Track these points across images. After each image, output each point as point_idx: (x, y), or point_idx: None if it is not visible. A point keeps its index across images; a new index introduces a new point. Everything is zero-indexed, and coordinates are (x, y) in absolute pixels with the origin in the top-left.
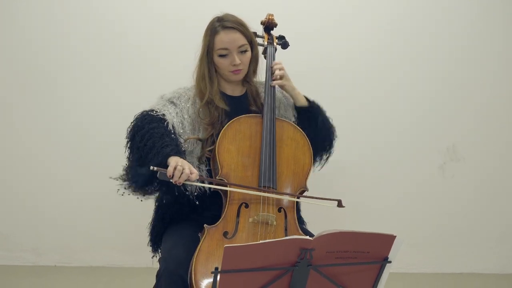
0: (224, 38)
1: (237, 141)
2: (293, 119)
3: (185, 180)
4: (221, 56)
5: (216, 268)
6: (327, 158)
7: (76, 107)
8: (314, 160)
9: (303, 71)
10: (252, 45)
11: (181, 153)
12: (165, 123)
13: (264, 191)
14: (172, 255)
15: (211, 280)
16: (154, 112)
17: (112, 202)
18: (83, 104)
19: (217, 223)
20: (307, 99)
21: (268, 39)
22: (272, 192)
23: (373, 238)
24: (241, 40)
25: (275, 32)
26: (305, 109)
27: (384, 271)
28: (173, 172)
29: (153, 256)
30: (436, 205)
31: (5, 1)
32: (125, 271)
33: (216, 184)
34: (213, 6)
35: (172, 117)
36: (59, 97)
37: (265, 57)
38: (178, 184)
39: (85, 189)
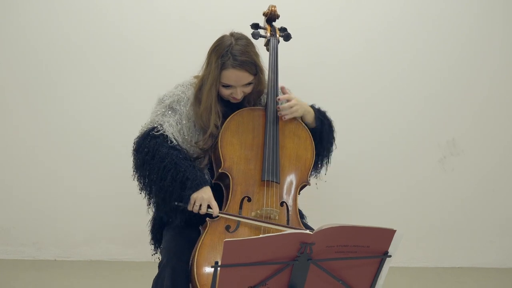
0: (232, 76)
1: (239, 134)
2: None
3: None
4: (224, 86)
5: (216, 262)
6: (328, 158)
7: (77, 105)
8: (316, 164)
9: (303, 65)
10: (257, 79)
11: (200, 184)
12: (169, 141)
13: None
14: (174, 246)
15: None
16: (156, 131)
17: (112, 196)
18: (83, 101)
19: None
20: (313, 109)
21: (271, 31)
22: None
23: (373, 232)
24: (248, 78)
25: (277, 24)
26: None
27: (384, 265)
28: (192, 208)
29: (154, 253)
30: (436, 199)
31: None
32: (125, 265)
33: (244, 218)
34: (216, 5)
35: (172, 128)
36: (60, 93)
37: (267, 49)
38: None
39: (85, 183)
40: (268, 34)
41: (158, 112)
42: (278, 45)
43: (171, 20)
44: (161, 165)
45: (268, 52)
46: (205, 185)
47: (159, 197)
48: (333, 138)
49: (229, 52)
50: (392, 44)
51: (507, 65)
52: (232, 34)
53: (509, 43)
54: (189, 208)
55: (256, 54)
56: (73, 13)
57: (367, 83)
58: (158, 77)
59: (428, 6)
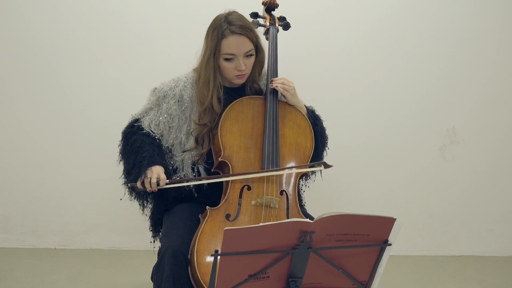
0: (232, 44)
1: (239, 122)
2: None
3: (159, 186)
4: (227, 60)
5: (216, 251)
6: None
7: (77, 94)
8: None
9: (303, 54)
10: (258, 49)
11: (155, 162)
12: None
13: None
14: (174, 232)
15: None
16: (137, 124)
17: (111, 184)
18: (83, 91)
19: (219, 205)
20: (307, 108)
21: (270, 20)
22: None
23: (373, 220)
24: (248, 45)
25: (276, 13)
26: None
27: (384, 254)
28: (143, 184)
29: (153, 241)
30: (436, 187)
31: None
32: (125, 254)
33: (196, 180)
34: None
35: (151, 121)
36: (60, 83)
37: (266, 39)
38: (154, 191)
39: (85, 172)
40: (268, 23)
41: (147, 106)
42: (277, 34)
43: (170, 9)
44: (130, 149)
45: (267, 41)
46: (157, 164)
47: (127, 178)
48: (324, 144)
49: (225, 22)
50: (392, 32)
51: (507, 53)
52: (224, 12)
53: (509, 32)
54: (138, 185)
55: (251, 23)
56: (79, 4)
57: (367, 71)
58: (166, 69)
59: None
